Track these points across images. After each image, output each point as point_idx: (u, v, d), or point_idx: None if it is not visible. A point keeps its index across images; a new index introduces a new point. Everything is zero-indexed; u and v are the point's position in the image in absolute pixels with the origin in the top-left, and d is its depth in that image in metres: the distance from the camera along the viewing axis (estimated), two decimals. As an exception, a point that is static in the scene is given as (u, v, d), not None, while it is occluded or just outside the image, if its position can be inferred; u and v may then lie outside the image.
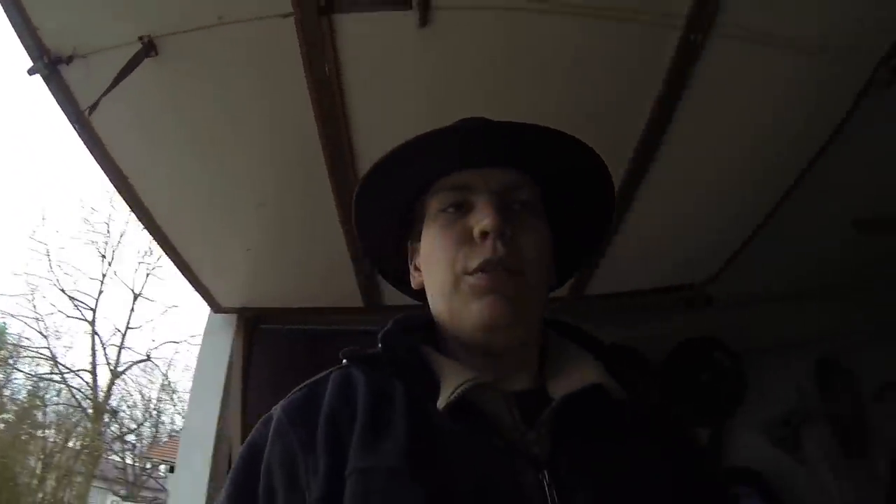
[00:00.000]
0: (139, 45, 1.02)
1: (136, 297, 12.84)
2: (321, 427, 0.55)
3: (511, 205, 0.62)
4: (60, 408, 12.17)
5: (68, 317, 12.30)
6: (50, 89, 1.16)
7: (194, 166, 1.34)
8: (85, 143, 1.22)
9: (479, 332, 0.59)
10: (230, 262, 1.75)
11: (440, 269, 0.62)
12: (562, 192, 0.67)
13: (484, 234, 0.59)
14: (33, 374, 12.08)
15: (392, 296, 1.73)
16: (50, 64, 1.10)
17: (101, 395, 12.05)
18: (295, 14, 0.96)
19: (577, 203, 0.68)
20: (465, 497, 0.51)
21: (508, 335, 0.60)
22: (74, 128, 1.19)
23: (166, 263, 1.55)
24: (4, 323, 11.93)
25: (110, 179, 1.32)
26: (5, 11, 1.04)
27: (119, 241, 12.82)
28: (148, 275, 13.14)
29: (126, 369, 12.59)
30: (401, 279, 0.74)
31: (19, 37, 1.08)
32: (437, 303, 0.64)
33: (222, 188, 1.41)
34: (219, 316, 1.97)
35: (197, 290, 1.86)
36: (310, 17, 0.96)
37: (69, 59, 1.09)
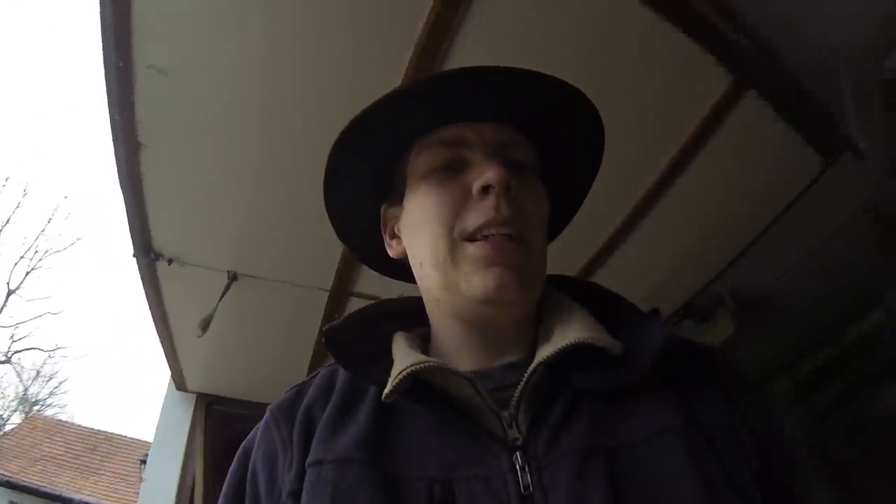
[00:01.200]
0: (226, 275, 1.70)
1: (9, 293, 11.52)
2: (297, 423, 0.54)
3: (510, 161, 0.55)
4: None
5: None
6: (141, 275, 1.77)
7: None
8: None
9: (481, 306, 0.53)
10: (206, 353, 2.33)
11: (432, 233, 0.54)
12: (553, 153, 0.61)
13: (485, 190, 0.52)
14: None
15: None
16: (153, 258, 1.72)
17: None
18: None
19: (565, 163, 0.62)
20: (426, 487, 0.46)
21: (513, 310, 0.54)
22: (151, 311, 1.82)
23: (150, 334, 2.00)
24: None
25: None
26: (124, 200, 1.61)
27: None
28: (28, 273, 11.85)
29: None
30: (372, 254, 0.67)
31: (129, 226, 1.67)
32: (427, 273, 0.56)
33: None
34: (179, 392, 2.52)
35: (171, 366, 2.40)
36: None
37: (170, 261, 1.72)
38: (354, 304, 1.81)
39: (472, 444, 0.48)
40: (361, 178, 0.62)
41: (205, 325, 1.62)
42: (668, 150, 1.55)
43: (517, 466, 0.46)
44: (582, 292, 0.60)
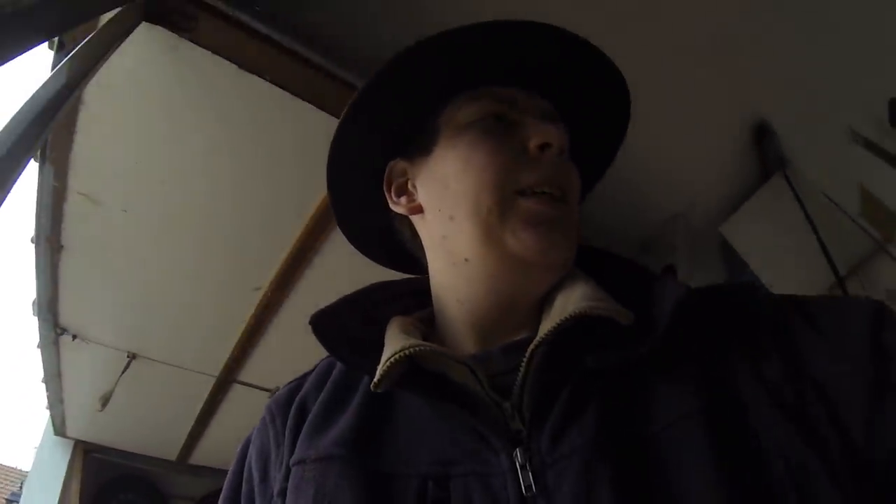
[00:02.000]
0: (125, 354, 1.93)
1: None
2: (290, 418, 0.52)
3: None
4: None
5: None
6: (42, 341, 1.95)
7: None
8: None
9: (522, 265, 0.48)
10: (92, 408, 2.48)
11: (478, 183, 0.49)
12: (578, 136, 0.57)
13: (543, 147, 0.50)
14: None
15: (203, 455, 2.62)
16: (59, 332, 1.91)
17: None
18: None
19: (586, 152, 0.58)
20: (418, 484, 0.42)
21: (553, 275, 0.50)
22: (45, 368, 2.00)
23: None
24: None
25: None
26: (37, 283, 1.82)
27: None
28: None
29: None
30: (354, 216, 0.62)
31: (39, 304, 1.86)
32: (463, 226, 0.50)
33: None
34: (57, 437, 2.61)
35: (51, 410, 2.50)
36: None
37: (74, 336, 1.92)
38: (238, 390, 2.10)
39: (471, 437, 0.43)
40: (379, 127, 0.57)
41: (105, 401, 1.83)
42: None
43: (517, 465, 0.41)
44: (591, 260, 0.54)
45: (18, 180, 0.71)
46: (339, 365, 0.55)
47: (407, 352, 0.45)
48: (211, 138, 1.43)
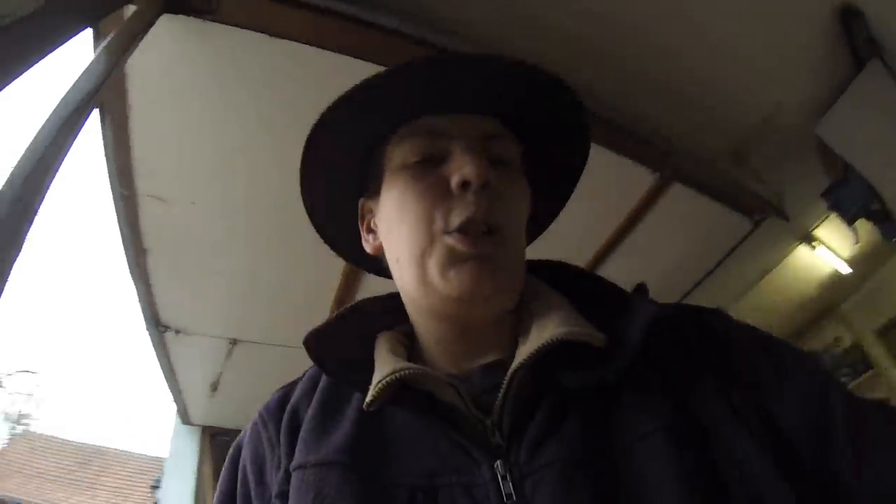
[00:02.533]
0: (227, 342, 1.99)
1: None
2: (283, 424, 0.54)
3: (491, 155, 0.53)
4: None
5: None
6: (153, 342, 2.05)
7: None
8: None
9: (456, 303, 0.50)
10: (203, 389, 2.63)
11: (410, 228, 0.51)
12: (535, 150, 0.58)
13: (464, 185, 0.50)
14: None
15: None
16: (161, 331, 2.00)
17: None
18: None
19: (548, 161, 0.59)
20: (408, 493, 0.45)
21: (489, 307, 0.51)
22: (162, 368, 2.10)
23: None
24: None
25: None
26: (136, 288, 1.90)
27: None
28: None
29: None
30: (349, 245, 0.64)
31: (139, 300, 1.95)
32: (404, 269, 0.53)
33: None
34: (185, 426, 2.81)
35: (175, 401, 2.68)
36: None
37: (177, 332, 2.00)
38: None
39: (456, 451, 0.46)
40: (337, 169, 0.59)
41: (214, 386, 1.92)
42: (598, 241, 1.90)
43: (498, 476, 0.44)
44: (562, 278, 0.57)
45: (66, 159, 0.78)
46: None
47: (397, 375, 0.48)
48: (260, 113, 1.38)
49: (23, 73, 0.73)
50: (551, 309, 0.51)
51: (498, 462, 0.45)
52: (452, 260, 0.49)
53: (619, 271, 1.95)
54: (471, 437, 0.46)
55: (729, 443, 0.43)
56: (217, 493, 0.57)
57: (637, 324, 0.48)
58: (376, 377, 0.49)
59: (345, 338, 0.56)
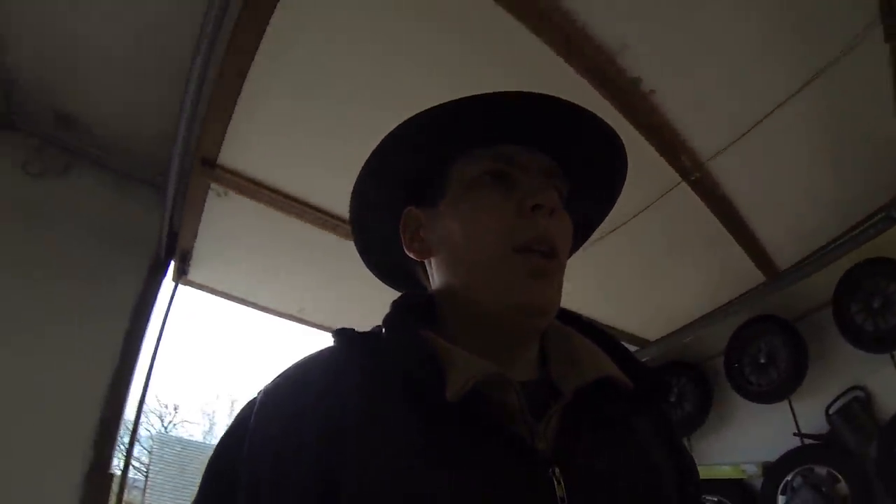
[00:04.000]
0: None
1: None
2: (310, 417, 0.49)
3: (554, 188, 0.60)
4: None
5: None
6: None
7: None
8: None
9: (520, 314, 0.56)
10: None
11: (482, 237, 0.57)
12: (574, 191, 0.64)
13: (536, 208, 0.56)
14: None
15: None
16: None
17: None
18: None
19: (578, 204, 0.65)
20: (476, 491, 0.46)
21: (541, 322, 0.59)
22: None
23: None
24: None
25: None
26: None
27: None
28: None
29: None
30: (376, 251, 0.69)
31: None
32: (467, 274, 0.58)
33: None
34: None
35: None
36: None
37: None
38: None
39: (512, 453, 0.49)
40: (395, 179, 0.64)
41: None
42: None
43: (554, 480, 0.48)
44: (572, 320, 0.65)
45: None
46: (355, 360, 0.55)
47: (490, 373, 0.51)
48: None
49: None
50: (593, 349, 0.60)
51: (555, 467, 0.49)
52: (528, 275, 0.55)
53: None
54: (522, 440, 0.51)
55: (670, 489, 0.57)
56: (201, 491, 0.52)
57: (649, 380, 0.58)
58: (462, 372, 0.50)
59: (404, 328, 0.57)
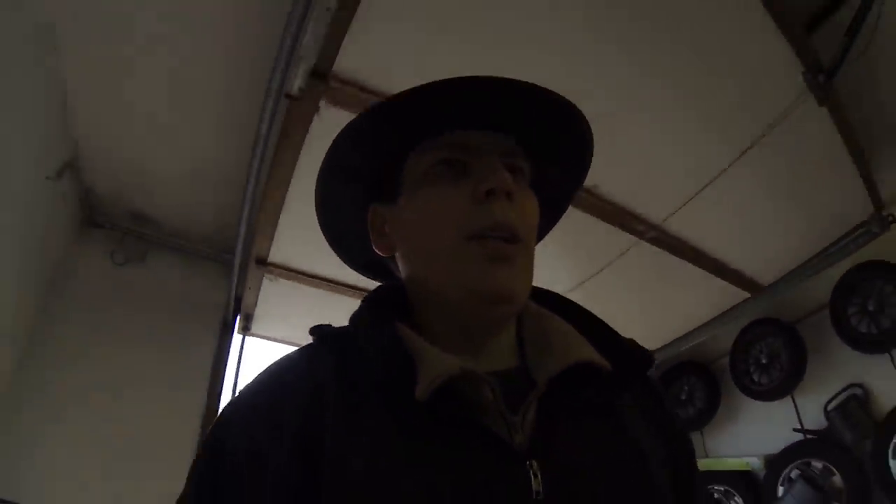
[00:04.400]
0: None
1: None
2: (289, 415, 0.49)
3: (511, 168, 0.58)
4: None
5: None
6: None
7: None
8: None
9: (482, 303, 0.55)
10: None
11: (437, 229, 0.56)
12: (542, 167, 0.63)
13: (489, 193, 0.54)
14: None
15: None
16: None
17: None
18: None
19: (546, 181, 0.64)
20: (449, 488, 0.45)
21: (508, 309, 0.57)
22: None
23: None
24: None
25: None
26: None
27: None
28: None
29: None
30: (351, 249, 0.69)
31: None
32: (426, 268, 0.58)
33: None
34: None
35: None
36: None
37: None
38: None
39: (487, 447, 0.48)
40: (354, 175, 0.63)
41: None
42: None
43: (530, 473, 0.47)
44: (551, 302, 0.63)
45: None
46: (330, 358, 0.55)
47: (459, 369, 0.49)
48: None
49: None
50: (567, 332, 0.57)
51: (532, 460, 0.47)
52: (483, 262, 0.54)
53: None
54: (496, 434, 0.49)
55: (658, 472, 0.54)
56: (193, 490, 0.51)
57: (636, 362, 0.57)
58: (432, 369, 0.49)
59: (376, 324, 0.56)
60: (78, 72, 1.66)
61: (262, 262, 2.01)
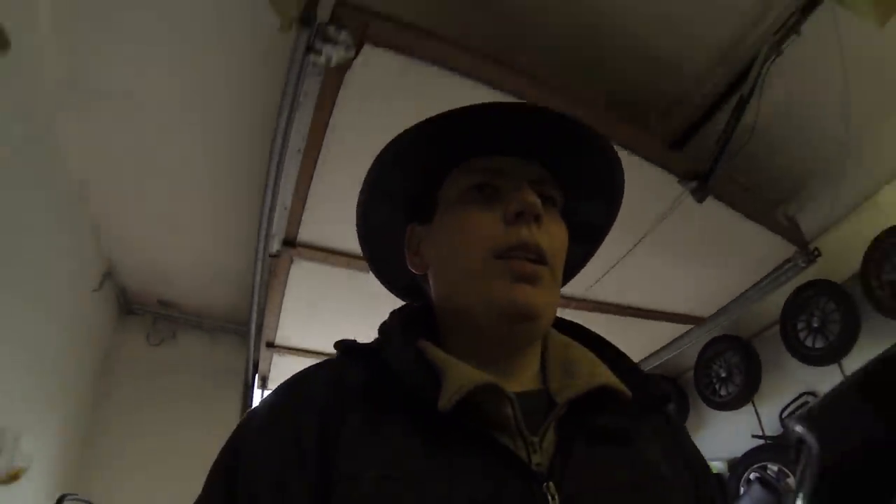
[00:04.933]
0: None
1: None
2: (310, 426, 0.50)
3: (541, 194, 0.60)
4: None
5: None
6: None
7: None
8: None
9: (505, 319, 0.56)
10: None
11: (467, 248, 0.58)
12: (576, 200, 0.65)
13: (519, 215, 0.56)
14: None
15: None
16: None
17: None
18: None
19: (579, 213, 0.65)
20: (466, 502, 0.46)
21: (533, 328, 0.58)
22: None
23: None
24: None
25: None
26: None
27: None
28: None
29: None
30: (388, 269, 0.71)
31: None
32: (455, 285, 0.59)
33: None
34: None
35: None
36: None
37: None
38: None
39: (506, 465, 0.49)
40: (393, 196, 0.65)
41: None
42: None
43: (548, 493, 0.48)
44: (574, 332, 0.66)
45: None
46: (356, 372, 0.56)
47: (483, 382, 0.50)
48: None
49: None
50: (592, 360, 0.59)
51: (549, 481, 0.48)
52: (509, 280, 0.55)
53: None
54: (515, 453, 0.50)
55: (681, 493, 0.55)
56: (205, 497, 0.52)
57: (654, 392, 0.59)
58: (456, 382, 0.50)
59: (404, 338, 0.57)
60: (105, 212, 2.10)
61: (271, 345, 2.47)
